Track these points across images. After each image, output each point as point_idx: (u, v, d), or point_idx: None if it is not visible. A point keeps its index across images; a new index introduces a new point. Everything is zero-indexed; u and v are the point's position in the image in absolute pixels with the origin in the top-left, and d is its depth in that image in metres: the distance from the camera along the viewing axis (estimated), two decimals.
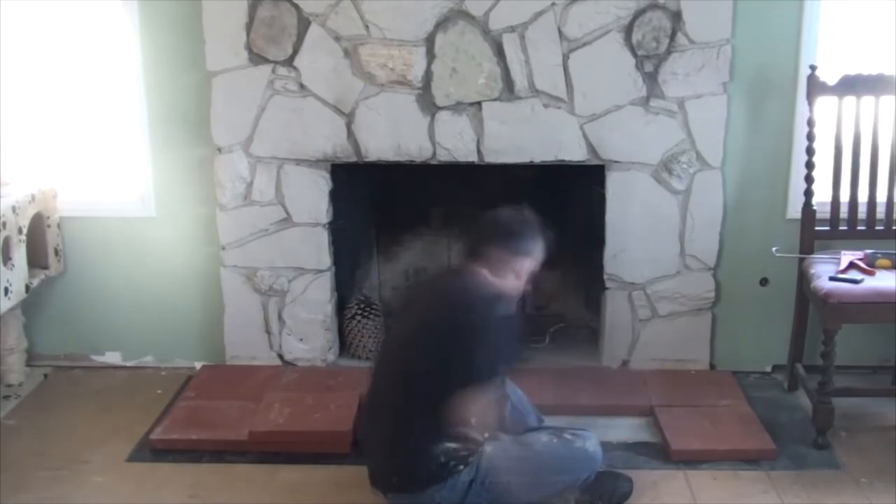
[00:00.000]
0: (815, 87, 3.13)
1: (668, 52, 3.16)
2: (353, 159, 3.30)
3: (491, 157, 3.27)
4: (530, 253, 2.51)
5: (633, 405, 3.21)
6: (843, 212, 3.20)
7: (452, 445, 2.42)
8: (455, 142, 3.26)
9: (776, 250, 3.24)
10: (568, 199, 3.74)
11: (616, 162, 3.27)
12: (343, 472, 2.85)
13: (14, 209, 3.22)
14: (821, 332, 2.95)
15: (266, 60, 3.23)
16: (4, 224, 3.16)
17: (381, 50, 3.18)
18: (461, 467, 2.41)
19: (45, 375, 3.48)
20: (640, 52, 3.16)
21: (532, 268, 2.53)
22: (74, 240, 3.54)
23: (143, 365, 3.62)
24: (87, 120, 3.48)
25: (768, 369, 3.50)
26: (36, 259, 3.42)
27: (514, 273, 2.50)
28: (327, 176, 3.35)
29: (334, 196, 3.40)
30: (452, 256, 3.96)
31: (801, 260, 3.18)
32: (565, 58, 3.17)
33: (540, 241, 2.52)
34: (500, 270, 2.49)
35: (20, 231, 3.26)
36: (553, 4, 3.12)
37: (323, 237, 3.41)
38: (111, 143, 3.50)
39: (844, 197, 3.20)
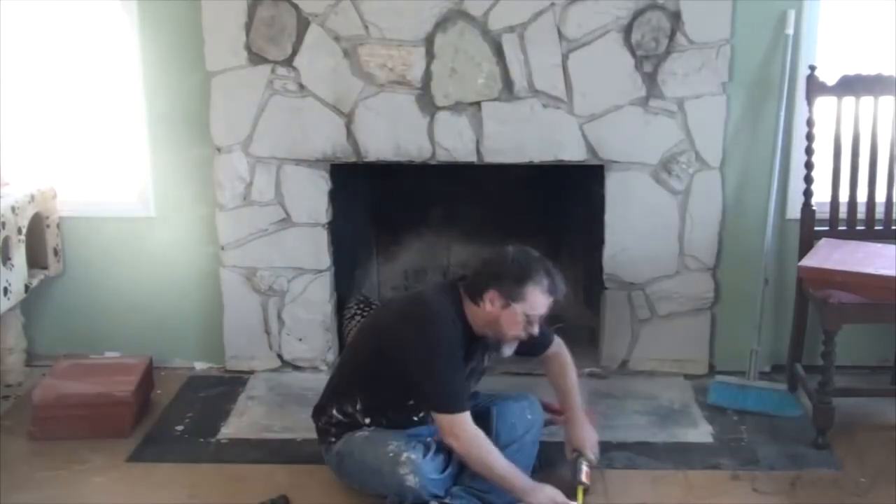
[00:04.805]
0: (815, 88, 3.14)
1: (668, 52, 3.16)
2: (353, 159, 3.31)
3: (490, 157, 3.27)
4: (512, 294, 2.51)
5: None
6: (843, 212, 3.20)
7: (341, 415, 2.66)
8: (454, 142, 3.26)
9: None
10: (567, 199, 3.75)
11: (615, 162, 3.27)
12: None
13: (13, 209, 3.22)
14: (821, 332, 2.95)
15: (265, 60, 3.23)
16: (4, 224, 3.15)
17: (381, 50, 3.19)
18: (338, 437, 2.67)
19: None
20: (639, 53, 3.16)
21: (522, 311, 2.52)
22: (74, 240, 3.54)
23: None
24: (87, 120, 3.48)
25: (768, 369, 3.50)
26: (35, 259, 3.42)
27: (489, 304, 2.53)
28: (327, 176, 3.35)
29: (334, 196, 3.40)
30: (451, 257, 3.97)
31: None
32: (564, 58, 3.17)
33: (533, 289, 2.51)
34: (475, 298, 2.56)
35: (19, 231, 3.26)
36: (552, 4, 3.12)
37: (322, 237, 3.41)
38: (111, 143, 3.50)
39: (844, 197, 3.20)
